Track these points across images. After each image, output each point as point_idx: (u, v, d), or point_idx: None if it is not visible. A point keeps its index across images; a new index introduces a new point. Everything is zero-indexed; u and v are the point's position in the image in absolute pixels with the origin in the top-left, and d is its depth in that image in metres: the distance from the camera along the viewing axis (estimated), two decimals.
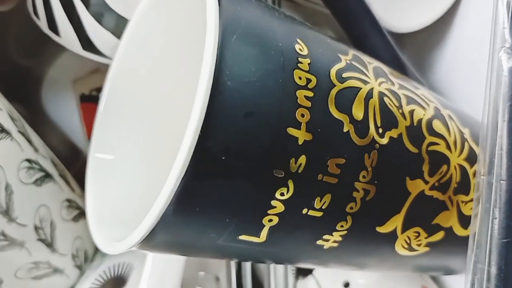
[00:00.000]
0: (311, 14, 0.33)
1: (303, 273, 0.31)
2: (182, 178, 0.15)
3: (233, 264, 0.31)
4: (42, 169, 0.26)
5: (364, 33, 0.24)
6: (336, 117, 0.17)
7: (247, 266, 0.31)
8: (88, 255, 0.30)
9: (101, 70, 0.32)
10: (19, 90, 0.38)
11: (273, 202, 0.17)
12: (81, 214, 0.29)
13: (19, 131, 0.25)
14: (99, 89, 0.31)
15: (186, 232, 0.17)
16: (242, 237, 0.17)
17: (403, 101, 0.20)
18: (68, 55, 0.38)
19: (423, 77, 0.30)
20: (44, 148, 0.28)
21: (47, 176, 0.26)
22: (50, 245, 0.27)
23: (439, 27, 0.30)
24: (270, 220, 0.17)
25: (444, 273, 0.26)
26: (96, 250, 0.31)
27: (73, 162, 0.35)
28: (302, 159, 0.17)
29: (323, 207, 0.18)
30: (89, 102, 0.31)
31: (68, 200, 0.28)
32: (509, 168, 0.17)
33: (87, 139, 0.34)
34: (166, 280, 0.26)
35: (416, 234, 0.20)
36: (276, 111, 0.16)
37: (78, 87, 0.32)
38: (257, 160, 0.16)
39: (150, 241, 0.17)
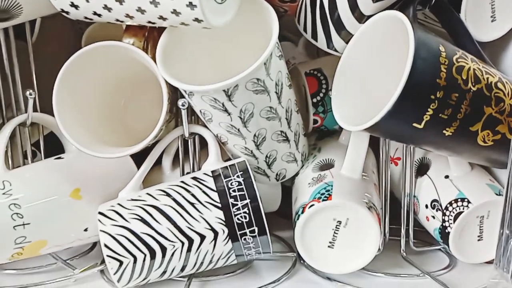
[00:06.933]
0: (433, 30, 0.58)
1: (421, 173, 0.56)
2: (396, 100, 0.41)
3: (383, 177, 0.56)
4: None
5: (463, 43, 0.49)
6: (455, 76, 0.42)
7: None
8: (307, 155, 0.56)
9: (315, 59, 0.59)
10: None
11: (429, 109, 0.42)
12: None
13: None
14: (315, 69, 0.58)
15: (392, 124, 0.42)
16: (415, 124, 0.43)
17: (484, 72, 0.44)
18: None
19: (496, 66, 0.53)
20: None
21: None
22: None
23: (507, 37, 0.53)
24: (426, 117, 0.42)
25: (500, 167, 0.50)
26: (309, 152, 0.57)
27: None
28: (441, 93, 0.42)
29: (447, 114, 0.43)
30: (310, 76, 0.58)
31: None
32: None
33: None
34: (357, 164, 0.52)
35: (487, 133, 0.45)
36: (432, 68, 0.41)
37: (302, 67, 0.59)
38: (427, 90, 0.41)
39: (375, 127, 0.42)
